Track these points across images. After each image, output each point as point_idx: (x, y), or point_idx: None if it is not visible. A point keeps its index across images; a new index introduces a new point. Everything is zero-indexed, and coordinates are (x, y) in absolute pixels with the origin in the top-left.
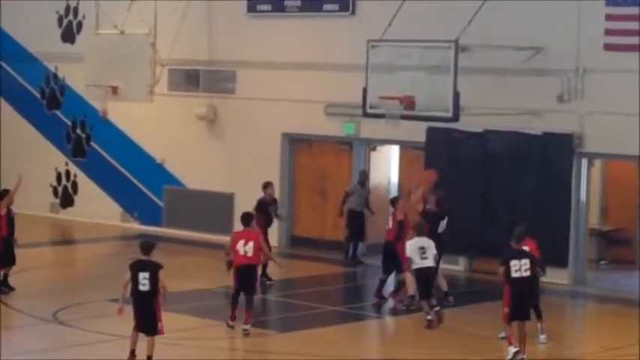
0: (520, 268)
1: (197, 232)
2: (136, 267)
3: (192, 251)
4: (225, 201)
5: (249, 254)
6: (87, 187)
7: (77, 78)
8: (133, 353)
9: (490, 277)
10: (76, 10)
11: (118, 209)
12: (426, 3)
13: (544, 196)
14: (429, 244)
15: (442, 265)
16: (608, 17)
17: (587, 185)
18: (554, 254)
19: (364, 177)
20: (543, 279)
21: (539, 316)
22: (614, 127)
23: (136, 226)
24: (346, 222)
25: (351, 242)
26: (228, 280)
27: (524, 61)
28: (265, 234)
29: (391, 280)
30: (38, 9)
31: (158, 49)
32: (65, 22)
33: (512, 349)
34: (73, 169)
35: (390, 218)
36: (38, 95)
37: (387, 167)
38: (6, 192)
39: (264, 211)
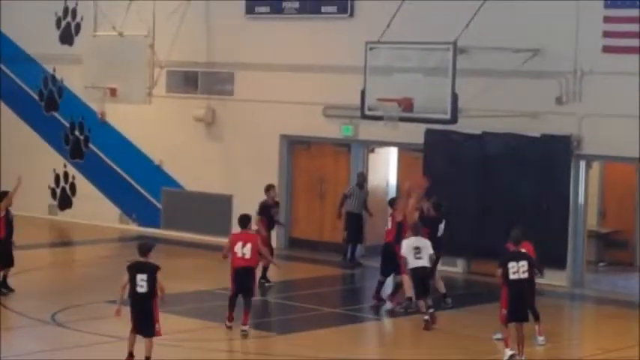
0: (518, 270)
1: (195, 233)
2: (134, 269)
3: (191, 253)
4: (223, 203)
5: (247, 256)
6: (85, 188)
7: (75, 80)
8: (131, 355)
9: (488, 279)
10: (74, 12)
11: (116, 211)
12: (424, 5)
13: (542, 198)
14: (425, 245)
15: (440, 267)
16: (607, 19)
17: (585, 187)
18: (552, 256)
19: (362, 179)
20: (542, 281)
21: (536, 318)
22: (612, 129)
23: (134, 228)
24: (344, 224)
25: (349, 244)
26: (227, 281)
27: (523, 63)
28: (269, 237)
29: (389, 282)
30: (36, 10)
31: (156, 51)
32: (63, 23)
33: (509, 352)
34: (72, 170)
35: (389, 219)
36: (36, 97)
37: (385, 169)
38: (5, 193)
39: (267, 214)
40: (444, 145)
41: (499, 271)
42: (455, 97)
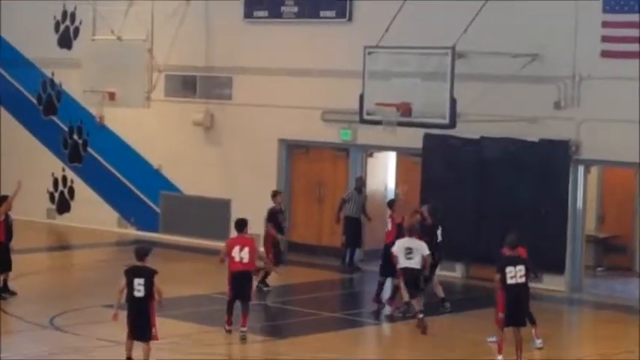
0: (515, 274)
1: (194, 238)
2: (131, 273)
3: (189, 257)
4: (221, 207)
5: (245, 260)
6: (83, 192)
7: (74, 84)
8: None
9: (487, 283)
10: (73, 16)
11: (114, 215)
12: (422, 10)
13: (541, 203)
14: (418, 246)
15: (439, 272)
16: (605, 24)
17: (583, 192)
18: (550, 261)
19: (361, 183)
20: (540, 286)
21: (532, 322)
22: (610, 134)
23: (133, 232)
24: (343, 228)
25: (348, 248)
26: (225, 286)
27: (521, 68)
28: (278, 243)
29: (389, 286)
30: (35, 14)
31: (155, 55)
32: (62, 27)
33: (500, 358)
34: (70, 174)
35: (389, 221)
36: (35, 101)
37: (383, 174)
38: (4, 198)
39: (275, 220)
40: (443, 150)
41: (497, 277)
42: (453, 102)
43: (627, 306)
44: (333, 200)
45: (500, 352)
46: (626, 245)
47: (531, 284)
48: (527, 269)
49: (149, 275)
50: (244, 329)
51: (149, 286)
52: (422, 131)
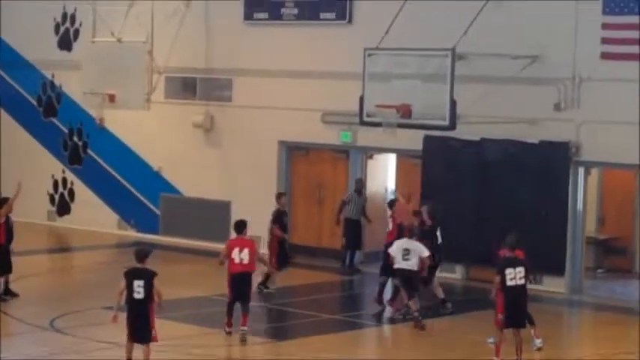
0: (515, 276)
1: (194, 239)
2: (131, 275)
3: (189, 259)
4: (221, 209)
5: (245, 261)
6: (84, 194)
7: (74, 86)
8: None
9: (487, 285)
10: (73, 18)
11: (114, 217)
12: (422, 11)
13: (541, 204)
14: (416, 248)
15: (439, 274)
16: (605, 26)
17: (583, 194)
18: (550, 263)
19: (361, 185)
20: (540, 287)
21: (531, 322)
22: (610, 135)
23: (133, 234)
24: (343, 230)
25: (348, 250)
26: (225, 288)
27: (521, 70)
28: (284, 244)
29: (390, 287)
30: (35, 16)
31: (155, 57)
32: (62, 29)
33: None
34: (70, 176)
35: (390, 221)
36: (35, 103)
37: (383, 175)
38: (5, 200)
39: (281, 221)
40: (443, 152)
41: (497, 279)
42: (453, 104)
43: (627, 308)
44: (333, 202)
45: (497, 354)
46: (626, 247)
47: (531, 286)
48: (526, 271)
49: (149, 277)
50: (244, 328)
51: (149, 288)
52: (422, 133)
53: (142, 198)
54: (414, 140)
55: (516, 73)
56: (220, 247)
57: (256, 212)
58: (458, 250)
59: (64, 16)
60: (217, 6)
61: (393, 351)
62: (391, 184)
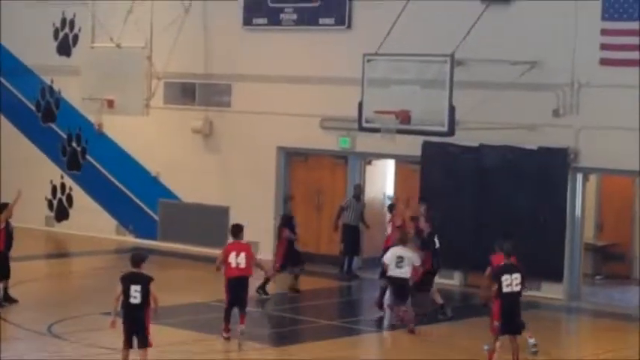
0: (511, 282)
1: (192, 245)
2: (128, 279)
3: (187, 265)
4: (220, 214)
5: (242, 266)
6: (82, 200)
7: (73, 91)
8: None
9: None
10: (72, 23)
11: (113, 222)
12: (422, 17)
13: (539, 210)
14: (410, 256)
15: (437, 280)
16: (604, 32)
17: (582, 200)
18: (549, 269)
19: (359, 191)
20: (538, 294)
21: (523, 327)
22: (609, 141)
23: (131, 240)
24: (341, 236)
25: (346, 256)
26: (223, 293)
27: (520, 76)
28: (293, 245)
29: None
30: (34, 22)
31: (154, 63)
32: (61, 34)
33: None
34: (69, 182)
35: (389, 225)
36: (34, 108)
37: (382, 181)
38: (5, 205)
39: (290, 224)
40: (441, 158)
41: (495, 286)
42: (452, 110)
43: (626, 314)
44: (332, 208)
45: None
46: (625, 253)
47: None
48: (522, 277)
49: (145, 282)
50: (242, 326)
51: (145, 293)
52: (421, 139)
53: (140, 203)
54: (412, 146)
55: (515, 79)
56: (218, 252)
57: (255, 218)
58: (456, 256)
59: (63, 21)
60: (216, 11)
61: (390, 357)
62: (390, 190)
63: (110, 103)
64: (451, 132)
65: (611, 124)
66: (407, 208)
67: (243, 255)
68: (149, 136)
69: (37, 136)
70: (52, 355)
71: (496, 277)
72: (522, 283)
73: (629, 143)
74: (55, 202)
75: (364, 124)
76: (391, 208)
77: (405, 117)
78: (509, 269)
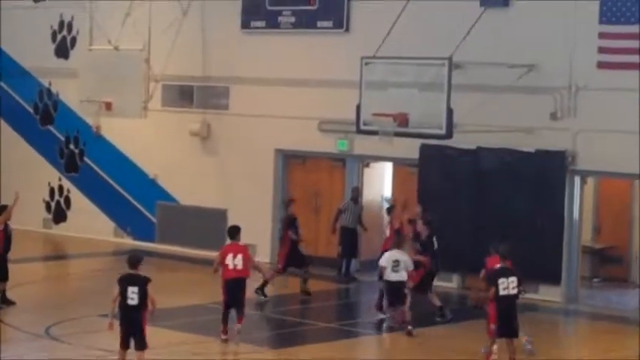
0: (508, 286)
1: (190, 247)
2: (125, 281)
3: (185, 267)
4: (218, 217)
5: (239, 267)
6: (80, 202)
7: (71, 93)
8: None
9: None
10: (70, 26)
11: (110, 225)
12: (419, 20)
13: (537, 213)
14: (404, 259)
15: (435, 282)
16: (602, 35)
17: (579, 203)
18: (546, 272)
19: (357, 194)
20: (536, 296)
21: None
22: (607, 144)
23: (129, 242)
24: (339, 239)
25: (344, 259)
26: (221, 295)
27: (518, 79)
28: (297, 247)
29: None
30: (32, 24)
31: (152, 65)
32: (59, 37)
33: None
34: (66, 184)
35: (387, 228)
36: (32, 110)
37: (380, 184)
38: (4, 207)
39: (293, 226)
40: (439, 160)
41: (492, 290)
42: (450, 113)
43: (623, 317)
44: (330, 210)
45: None
46: (622, 256)
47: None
48: (519, 280)
49: (143, 283)
50: (239, 326)
51: (143, 295)
52: (418, 141)
53: (138, 206)
54: (410, 149)
55: (513, 82)
56: (216, 255)
57: (252, 220)
58: (454, 259)
59: (61, 24)
60: (214, 14)
61: (388, 359)
62: (387, 193)
63: (108, 106)
64: (449, 135)
65: (608, 127)
66: (404, 211)
67: (240, 256)
68: (147, 138)
69: (35, 138)
70: (50, 357)
71: (492, 281)
72: (519, 287)
73: (626, 146)
74: (52, 205)
75: (362, 127)
76: (390, 210)
77: (402, 120)
78: (506, 272)
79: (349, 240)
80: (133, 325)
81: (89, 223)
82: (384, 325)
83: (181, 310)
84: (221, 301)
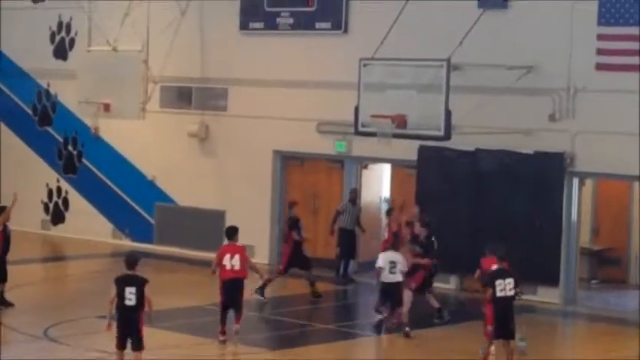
0: (505, 287)
1: (188, 249)
2: (123, 281)
3: (183, 268)
4: (216, 218)
5: (236, 268)
6: (78, 203)
7: (69, 95)
8: None
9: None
10: (68, 27)
11: (109, 226)
12: (418, 22)
13: (535, 215)
14: (400, 259)
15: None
16: (600, 37)
17: (578, 204)
18: (545, 273)
19: (355, 195)
20: (534, 298)
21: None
22: (605, 146)
23: (127, 243)
24: (337, 240)
25: (342, 260)
26: (219, 297)
27: (516, 80)
28: (298, 250)
29: None
30: (31, 25)
31: (150, 66)
32: (57, 38)
33: None
34: (65, 185)
35: (386, 230)
36: (30, 112)
37: (378, 185)
38: (2, 208)
39: (297, 228)
40: (438, 162)
41: (489, 292)
42: (448, 114)
43: (622, 318)
44: (328, 212)
45: None
46: (621, 258)
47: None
48: (516, 282)
49: (140, 284)
50: (237, 326)
51: (140, 295)
52: (417, 143)
53: (136, 207)
54: (408, 150)
55: (511, 84)
56: (214, 256)
57: (251, 222)
58: (452, 260)
59: (60, 25)
60: (213, 15)
61: None
62: (386, 194)
63: (106, 107)
64: (447, 136)
65: (607, 128)
66: (401, 212)
67: (237, 257)
68: (145, 139)
69: (34, 139)
70: (48, 358)
71: (490, 282)
72: (516, 288)
73: (625, 148)
74: (51, 206)
75: (360, 129)
76: (389, 212)
77: (401, 121)
78: (503, 274)
79: (347, 241)
80: (130, 325)
81: (87, 224)
82: (383, 326)
83: (179, 311)
84: (219, 303)
